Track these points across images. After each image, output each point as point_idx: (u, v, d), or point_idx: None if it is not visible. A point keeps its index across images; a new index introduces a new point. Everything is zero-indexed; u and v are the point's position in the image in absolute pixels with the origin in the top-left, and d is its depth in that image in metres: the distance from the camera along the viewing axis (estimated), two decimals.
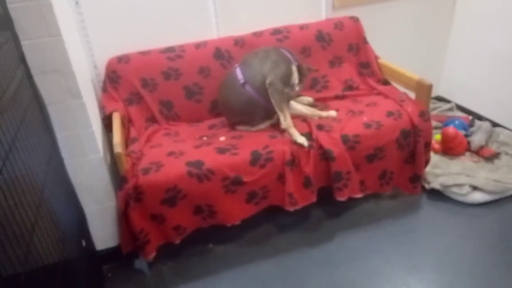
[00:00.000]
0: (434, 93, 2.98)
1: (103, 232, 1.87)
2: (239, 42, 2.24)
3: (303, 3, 2.43)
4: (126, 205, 1.67)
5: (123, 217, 1.70)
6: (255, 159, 1.76)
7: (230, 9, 2.29)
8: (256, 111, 1.95)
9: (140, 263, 1.93)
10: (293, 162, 1.79)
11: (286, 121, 1.88)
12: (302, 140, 1.82)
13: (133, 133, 1.98)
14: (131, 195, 1.65)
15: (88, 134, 1.66)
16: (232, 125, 2.05)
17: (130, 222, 1.69)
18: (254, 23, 2.32)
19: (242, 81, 1.94)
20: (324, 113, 1.94)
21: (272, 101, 1.88)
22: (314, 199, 1.87)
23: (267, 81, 1.87)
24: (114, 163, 1.76)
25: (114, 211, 1.82)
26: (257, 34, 2.28)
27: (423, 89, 2.00)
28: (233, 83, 1.97)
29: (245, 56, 2.04)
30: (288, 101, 1.97)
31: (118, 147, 1.66)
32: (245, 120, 1.99)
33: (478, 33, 2.66)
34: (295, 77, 2.00)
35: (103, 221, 1.84)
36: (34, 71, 1.47)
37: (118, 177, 1.71)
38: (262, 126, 1.99)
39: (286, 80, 1.92)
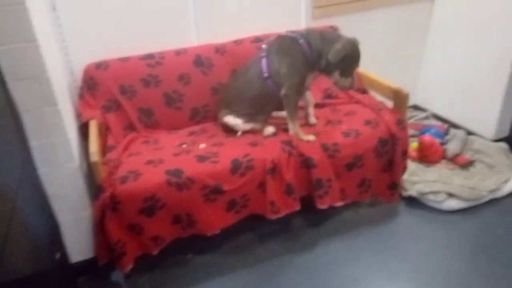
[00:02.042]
0: (411, 102, 3.04)
1: (78, 244, 1.81)
2: (220, 49, 2.23)
3: (283, 12, 2.45)
4: (102, 215, 1.63)
5: (99, 228, 1.65)
6: (235, 167, 1.75)
7: (210, 17, 2.28)
8: (270, 103, 1.99)
9: (116, 275, 1.88)
10: (274, 170, 1.79)
11: (294, 129, 1.94)
12: (311, 137, 1.91)
13: (110, 141, 1.95)
14: (107, 205, 1.62)
15: (63, 142, 1.61)
16: (225, 112, 2.04)
17: (106, 232, 1.65)
18: (234, 30, 2.33)
19: (266, 75, 1.94)
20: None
21: (286, 110, 1.94)
22: (297, 207, 1.86)
23: (282, 92, 1.91)
24: (90, 172, 1.72)
25: (90, 222, 1.78)
26: (238, 42, 2.28)
27: (400, 98, 2.04)
28: (256, 74, 1.98)
29: (269, 47, 2.00)
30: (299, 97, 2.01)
31: (94, 156, 1.62)
32: (248, 113, 2.00)
33: (453, 43, 2.74)
34: (309, 82, 2.00)
35: (78, 232, 1.79)
36: (8, 78, 1.43)
37: (95, 187, 1.67)
38: (258, 123, 2.02)
39: (300, 87, 1.95)
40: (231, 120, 2.02)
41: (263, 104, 2.01)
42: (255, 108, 2.01)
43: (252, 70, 2.01)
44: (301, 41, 1.90)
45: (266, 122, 2.05)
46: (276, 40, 2.00)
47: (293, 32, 1.97)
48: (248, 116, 2.01)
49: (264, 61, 1.96)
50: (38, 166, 1.60)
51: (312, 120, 2.11)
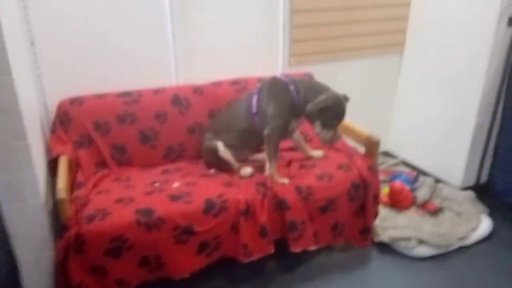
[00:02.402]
0: (381, 148, 3.13)
1: (38, 286, 1.69)
2: (198, 90, 2.27)
3: (261, 57, 2.54)
4: (65, 256, 1.55)
5: (61, 269, 1.57)
6: (208, 208, 1.72)
7: (190, 58, 2.33)
8: (255, 139, 2.03)
9: None
10: (248, 211, 1.77)
11: (271, 169, 1.96)
12: (285, 180, 1.93)
13: (80, 177, 1.89)
14: (71, 245, 1.54)
15: (30, 178, 1.55)
16: (214, 138, 2.08)
17: (69, 274, 1.57)
18: (213, 73, 2.38)
19: (254, 111, 1.99)
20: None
21: (266, 149, 1.97)
22: (271, 250, 1.83)
23: (265, 132, 1.95)
24: (56, 209, 1.65)
25: (52, 263, 1.68)
26: (216, 84, 2.33)
27: (372, 144, 2.10)
28: (246, 109, 2.05)
29: (261, 85, 2.07)
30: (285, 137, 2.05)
31: (61, 193, 1.57)
32: (233, 145, 2.04)
33: (422, 93, 2.87)
34: (292, 127, 2.04)
35: (38, 273, 1.67)
36: None
37: (60, 225, 1.59)
38: (239, 158, 2.05)
39: (283, 132, 1.99)
40: (221, 146, 2.04)
41: (249, 138, 2.05)
42: (240, 141, 2.05)
43: (243, 104, 2.08)
44: (292, 87, 1.96)
45: (246, 161, 2.07)
46: (269, 81, 2.07)
47: (286, 76, 2.05)
48: (233, 148, 2.05)
49: (255, 98, 2.03)
50: (1, 202, 1.52)
51: (315, 152, 2.18)
